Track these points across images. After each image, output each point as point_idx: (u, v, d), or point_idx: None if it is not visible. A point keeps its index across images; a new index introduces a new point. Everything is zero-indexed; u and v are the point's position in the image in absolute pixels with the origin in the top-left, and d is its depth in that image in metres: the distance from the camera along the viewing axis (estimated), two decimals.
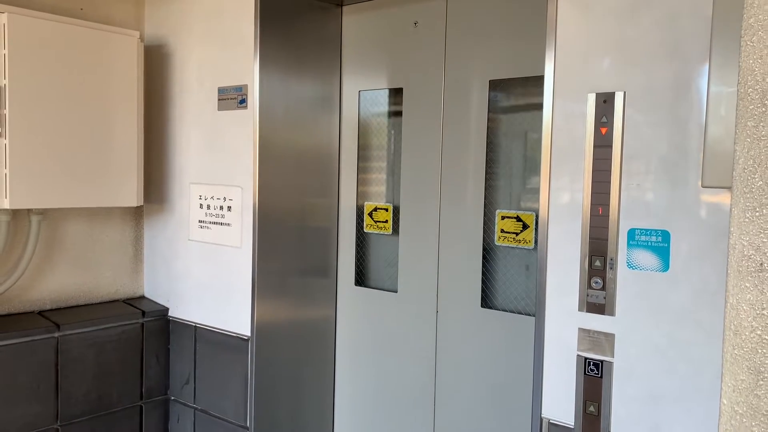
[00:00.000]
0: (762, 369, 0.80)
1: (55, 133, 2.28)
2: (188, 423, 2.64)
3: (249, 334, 2.40)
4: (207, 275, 2.55)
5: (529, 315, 2.09)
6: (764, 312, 0.80)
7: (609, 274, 1.59)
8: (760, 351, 0.80)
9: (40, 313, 2.49)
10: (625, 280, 1.58)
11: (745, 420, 0.81)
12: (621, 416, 1.59)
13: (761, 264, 0.80)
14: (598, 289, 1.61)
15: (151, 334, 2.65)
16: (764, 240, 0.80)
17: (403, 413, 2.44)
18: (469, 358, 2.25)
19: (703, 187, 1.28)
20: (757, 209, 0.80)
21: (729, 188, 1.32)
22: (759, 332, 0.80)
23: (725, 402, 0.84)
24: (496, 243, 2.18)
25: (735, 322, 0.83)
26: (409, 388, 2.41)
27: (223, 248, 2.47)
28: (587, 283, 1.62)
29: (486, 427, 2.21)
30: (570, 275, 1.66)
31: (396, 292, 2.46)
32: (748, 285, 0.81)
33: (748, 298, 0.81)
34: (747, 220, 0.81)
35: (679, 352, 1.51)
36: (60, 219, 2.54)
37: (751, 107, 0.81)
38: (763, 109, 0.80)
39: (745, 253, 0.82)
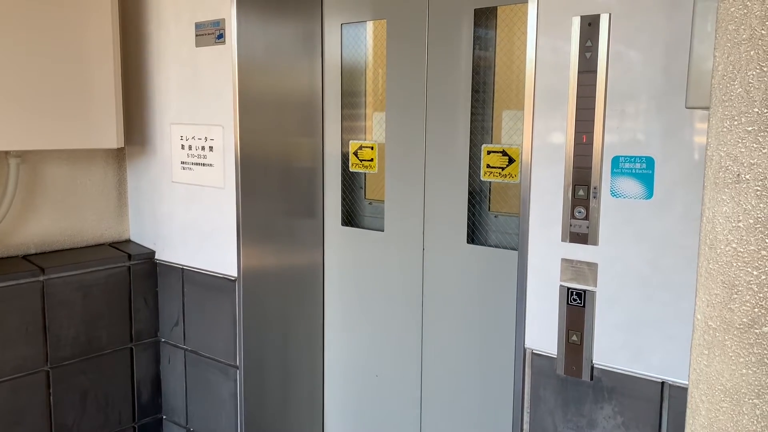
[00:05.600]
0: (736, 282, 0.78)
1: (29, 72, 2.21)
2: (179, 364, 2.66)
3: (236, 274, 2.39)
4: (192, 217, 2.52)
5: (515, 249, 2.08)
6: (740, 224, 0.78)
7: (592, 204, 1.57)
8: (734, 264, 0.78)
9: (25, 257, 2.47)
10: (609, 208, 1.55)
11: (718, 334, 0.80)
12: (603, 344, 1.60)
13: (738, 175, 0.77)
14: (581, 219, 1.59)
15: (138, 277, 2.64)
16: (742, 150, 0.77)
17: (391, 349, 2.46)
18: (455, 293, 2.25)
19: (687, 108, 1.24)
20: (736, 118, 0.77)
21: None
22: (734, 245, 0.78)
23: (699, 317, 0.83)
24: (482, 178, 2.15)
25: (710, 236, 0.81)
26: (397, 325, 2.43)
27: (207, 189, 2.44)
28: (570, 213, 1.60)
29: (471, 359, 2.23)
30: (553, 206, 1.64)
31: (383, 231, 2.44)
32: (724, 197, 0.79)
33: (724, 211, 0.79)
34: (725, 129, 0.78)
35: (662, 279, 1.50)
36: (40, 162, 2.50)
37: (732, 9, 0.77)
38: (745, 11, 0.76)
39: (723, 164, 0.79)
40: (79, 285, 2.46)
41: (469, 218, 2.19)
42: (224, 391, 2.48)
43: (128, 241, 2.79)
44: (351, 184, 2.57)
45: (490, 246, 2.17)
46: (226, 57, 2.27)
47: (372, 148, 2.45)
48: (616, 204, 1.54)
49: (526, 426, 1.76)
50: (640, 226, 1.52)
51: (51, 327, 2.39)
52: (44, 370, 2.39)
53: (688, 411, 0.84)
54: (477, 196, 2.19)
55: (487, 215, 2.20)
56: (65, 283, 2.42)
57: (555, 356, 1.68)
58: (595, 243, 1.58)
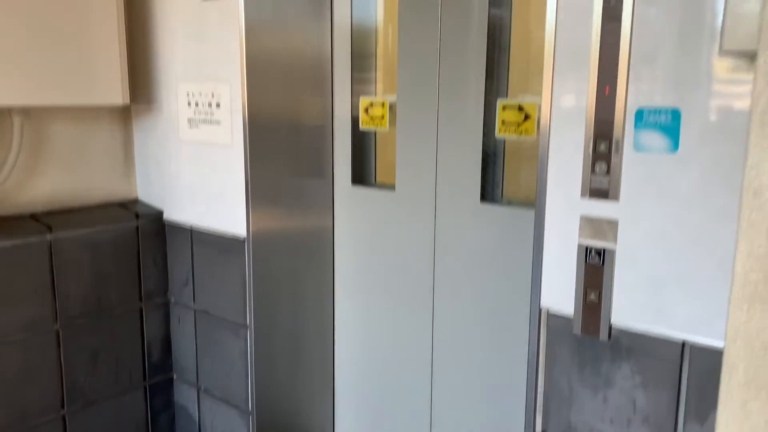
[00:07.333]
0: None
1: (30, 26, 2.15)
2: (189, 324, 2.65)
3: (245, 234, 2.35)
4: (200, 176, 2.48)
5: (530, 208, 2.03)
6: None
7: (614, 158, 1.51)
8: None
9: (32, 216, 2.44)
10: (632, 163, 1.49)
11: (760, 286, 0.75)
12: (622, 303, 1.56)
13: None
14: (602, 175, 1.53)
15: (146, 237, 2.61)
16: None
17: (402, 311, 2.43)
18: (468, 253, 2.21)
19: (721, 52, 1.17)
20: None
21: (749, 55, 1.22)
22: None
23: (739, 269, 0.78)
24: (497, 135, 2.09)
25: (755, 183, 0.75)
26: (408, 286, 2.39)
27: (214, 147, 2.39)
28: (591, 169, 1.55)
29: (484, 319, 2.19)
30: (573, 162, 1.58)
31: (394, 190, 2.39)
32: None
33: None
34: None
35: (686, 236, 1.45)
36: (44, 120, 2.45)
37: None
38: None
39: None
40: (88, 244, 2.43)
41: (482, 176, 2.13)
42: (235, 350, 2.47)
43: (136, 201, 2.75)
44: (361, 142, 2.51)
45: (504, 205, 2.12)
46: (232, 12, 2.20)
47: (383, 105, 2.38)
48: (639, 158, 1.48)
49: (540, 386, 1.74)
50: (664, 180, 1.46)
51: (60, 287, 2.37)
52: (54, 330, 2.38)
53: (723, 369, 0.80)
54: (491, 155, 2.14)
55: (501, 176, 2.15)
56: (73, 242, 2.39)
57: (572, 316, 1.64)
58: (616, 199, 1.52)
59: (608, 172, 1.52)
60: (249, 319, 2.40)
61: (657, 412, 1.54)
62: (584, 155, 1.55)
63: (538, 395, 1.74)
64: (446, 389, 2.35)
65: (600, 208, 1.55)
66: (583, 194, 1.57)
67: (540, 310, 1.70)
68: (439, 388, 2.37)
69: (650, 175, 1.48)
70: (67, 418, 2.45)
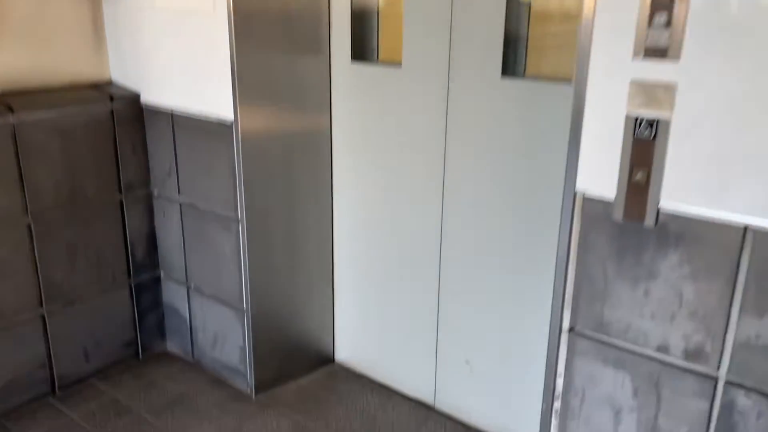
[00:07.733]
0: None
1: None
2: (175, 218, 2.44)
3: (232, 118, 2.10)
4: (179, 52, 2.18)
5: (560, 82, 1.77)
6: None
7: (678, 7, 1.25)
8: None
9: None
10: (699, 13, 1.23)
11: None
12: (674, 184, 1.34)
13: None
14: (661, 28, 1.27)
15: (123, 122, 2.34)
16: None
17: (408, 205, 2.21)
18: (485, 135, 1.96)
19: None
20: None
21: None
22: None
23: None
24: None
25: None
26: (415, 174, 2.16)
27: (194, 15, 2.08)
28: (648, 21, 1.28)
29: (503, 208, 1.98)
30: (625, 13, 1.31)
31: (400, 65, 2.11)
32: None
33: None
34: None
35: (759, 104, 1.22)
36: None
37: None
38: None
39: None
40: (56, 129, 2.17)
41: (504, 47, 1.86)
42: (225, 246, 2.28)
43: (110, 83, 2.46)
44: (362, 12, 2.21)
45: (529, 80, 1.86)
46: None
47: None
48: (709, 6, 1.22)
49: (570, 279, 1.55)
50: (738, 35, 1.20)
51: (27, 175, 2.13)
52: (25, 223, 2.15)
53: None
54: (514, 21, 1.85)
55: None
56: (39, 125, 2.13)
57: (612, 200, 1.43)
58: (676, 59, 1.27)
59: (669, 24, 1.26)
60: (240, 212, 2.19)
61: (707, 306, 1.36)
62: (641, 4, 1.28)
63: (567, 289, 1.56)
64: (456, 286, 2.17)
65: (656, 71, 1.30)
66: (636, 54, 1.32)
67: (575, 194, 1.49)
68: (448, 285, 2.19)
69: (721, 28, 1.22)
70: (46, 317, 2.27)
